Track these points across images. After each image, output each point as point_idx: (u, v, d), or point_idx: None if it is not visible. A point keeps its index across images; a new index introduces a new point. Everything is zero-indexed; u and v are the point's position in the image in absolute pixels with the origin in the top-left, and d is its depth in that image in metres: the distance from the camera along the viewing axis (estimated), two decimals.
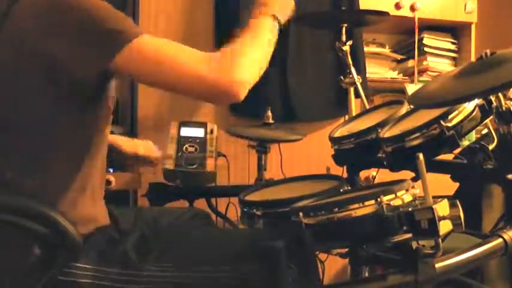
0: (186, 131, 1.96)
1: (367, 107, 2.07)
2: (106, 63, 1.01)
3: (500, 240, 1.21)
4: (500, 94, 1.28)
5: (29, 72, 1.03)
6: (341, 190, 1.32)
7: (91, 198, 1.13)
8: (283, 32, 2.59)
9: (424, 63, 2.79)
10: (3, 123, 1.06)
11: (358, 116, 1.83)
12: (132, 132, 2.44)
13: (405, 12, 2.70)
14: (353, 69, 2.07)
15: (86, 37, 1.01)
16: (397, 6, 2.68)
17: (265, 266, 1.03)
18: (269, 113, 2.09)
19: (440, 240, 1.04)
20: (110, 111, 1.16)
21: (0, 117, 1.07)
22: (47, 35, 1.02)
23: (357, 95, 2.12)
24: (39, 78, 1.03)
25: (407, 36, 2.85)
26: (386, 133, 1.45)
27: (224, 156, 2.08)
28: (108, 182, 1.86)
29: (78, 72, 1.02)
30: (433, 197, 1.02)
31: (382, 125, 1.50)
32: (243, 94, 1.07)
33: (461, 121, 1.30)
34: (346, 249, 1.35)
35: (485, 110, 1.33)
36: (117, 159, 1.60)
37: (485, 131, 1.45)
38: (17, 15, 1.05)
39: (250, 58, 1.11)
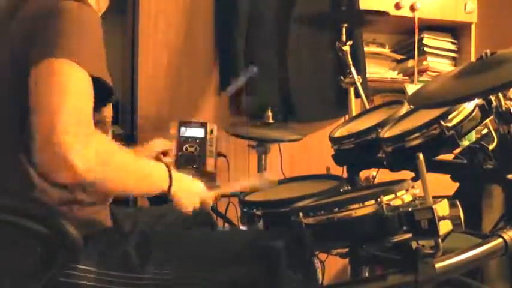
0: (186, 131, 1.96)
1: (367, 107, 2.07)
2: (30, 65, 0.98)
3: (500, 240, 1.21)
4: (500, 94, 1.28)
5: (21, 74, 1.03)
6: (341, 190, 1.32)
7: (93, 200, 1.12)
8: (283, 32, 2.61)
9: (424, 63, 2.79)
10: (5, 122, 1.06)
11: (358, 116, 1.83)
12: (132, 132, 2.44)
13: (405, 12, 2.70)
14: (353, 69, 2.08)
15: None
16: (397, 6, 2.68)
17: (265, 266, 1.03)
18: (269, 113, 2.09)
19: (440, 240, 1.04)
20: (109, 113, 1.16)
21: (3, 117, 1.07)
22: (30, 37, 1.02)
23: (357, 95, 2.12)
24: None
25: (407, 36, 2.85)
26: (387, 133, 1.45)
27: (224, 156, 2.08)
28: None
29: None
30: (433, 197, 1.02)
31: (382, 125, 1.50)
32: (69, 180, 0.94)
33: (461, 121, 1.30)
34: (346, 249, 1.35)
35: (485, 110, 1.33)
36: None
37: (485, 131, 1.45)
38: (20, 17, 1.06)
39: (116, 170, 1.01)
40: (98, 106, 1.03)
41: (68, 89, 0.95)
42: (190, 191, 1.21)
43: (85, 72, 0.98)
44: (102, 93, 1.03)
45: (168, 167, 1.15)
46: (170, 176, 1.13)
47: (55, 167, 0.93)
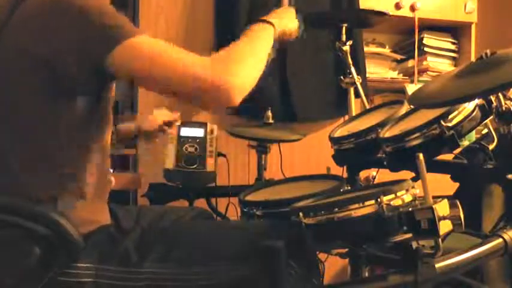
0: (186, 131, 1.96)
1: (367, 107, 2.07)
2: (102, 60, 1.01)
3: (500, 240, 1.21)
4: (500, 94, 1.28)
5: (28, 72, 1.03)
6: (341, 190, 1.32)
7: (93, 199, 1.12)
8: None
9: (424, 63, 2.79)
10: (6, 122, 1.06)
11: (358, 116, 1.83)
12: None
13: (405, 12, 2.70)
14: (353, 69, 2.07)
15: (84, 35, 1.02)
16: (397, 6, 2.68)
17: (265, 265, 1.03)
18: (269, 113, 2.09)
19: (440, 240, 1.04)
20: (110, 112, 1.16)
21: (4, 117, 1.07)
22: (47, 35, 1.03)
23: (357, 95, 2.12)
24: (37, 79, 1.03)
25: (407, 36, 2.85)
26: (387, 133, 1.45)
27: (224, 156, 2.08)
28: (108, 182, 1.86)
29: (75, 70, 1.02)
30: (433, 197, 1.02)
31: (382, 125, 1.50)
32: (237, 99, 1.05)
33: (461, 121, 1.30)
34: (346, 249, 1.35)
35: (485, 110, 1.33)
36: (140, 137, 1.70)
37: (485, 131, 1.45)
38: (21, 15, 1.06)
39: (247, 63, 1.09)
40: None
41: (162, 51, 1.05)
42: (290, 22, 1.37)
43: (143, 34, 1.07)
44: None
45: (264, 21, 1.24)
46: (273, 26, 1.24)
47: (228, 103, 1.04)
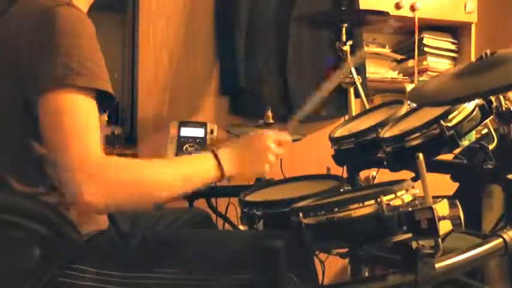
0: (186, 131, 1.97)
1: (367, 107, 2.07)
2: (33, 92, 1.00)
3: (500, 240, 1.20)
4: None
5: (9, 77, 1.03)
6: (341, 190, 1.32)
7: None
8: (283, 32, 2.61)
9: (424, 63, 2.79)
10: (4, 123, 1.06)
11: (358, 116, 1.83)
12: (132, 132, 2.45)
13: (405, 12, 2.70)
14: (353, 69, 2.07)
15: (43, 59, 0.99)
16: (397, 6, 2.68)
17: (266, 267, 1.03)
18: (269, 113, 2.08)
19: (440, 240, 1.04)
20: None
21: (3, 118, 1.07)
22: (26, 46, 1.01)
23: (357, 95, 2.12)
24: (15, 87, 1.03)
25: (407, 36, 2.85)
26: (386, 133, 1.45)
27: None
28: None
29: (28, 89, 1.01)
30: (433, 197, 1.02)
31: (382, 125, 1.50)
32: (84, 210, 1.00)
33: (461, 121, 1.30)
34: (346, 249, 1.35)
35: (485, 110, 1.33)
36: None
37: (485, 131, 1.45)
38: (10, 19, 1.06)
39: (138, 187, 1.01)
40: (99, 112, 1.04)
41: (76, 126, 0.97)
42: (252, 160, 1.18)
43: (89, 100, 1.00)
44: (104, 99, 1.04)
45: (215, 154, 1.12)
46: (219, 163, 1.12)
47: (73, 201, 0.99)
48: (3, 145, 1.06)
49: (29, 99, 1.01)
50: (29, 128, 1.03)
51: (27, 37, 1.02)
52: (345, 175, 1.70)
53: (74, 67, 0.98)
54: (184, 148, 1.93)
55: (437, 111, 1.33)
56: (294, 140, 2.15)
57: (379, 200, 1.02)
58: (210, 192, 2.05)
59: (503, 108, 1.29)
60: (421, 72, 2.79)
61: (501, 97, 1.29)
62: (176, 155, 1.92)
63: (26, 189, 1.04)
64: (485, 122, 1.35)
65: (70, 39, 1.00)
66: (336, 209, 1.05)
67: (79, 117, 0.98)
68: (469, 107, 1.32)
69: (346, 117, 2.29)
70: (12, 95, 1.03)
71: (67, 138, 0.97)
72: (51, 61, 0.98)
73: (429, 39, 2.81)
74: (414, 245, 1.07)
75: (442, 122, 1.28)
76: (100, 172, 0.97)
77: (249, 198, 1.40)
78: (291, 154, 2.40)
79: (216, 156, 1.12)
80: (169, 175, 1.05)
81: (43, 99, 0.98)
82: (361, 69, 2.53)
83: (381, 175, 1.72)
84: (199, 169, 1.11)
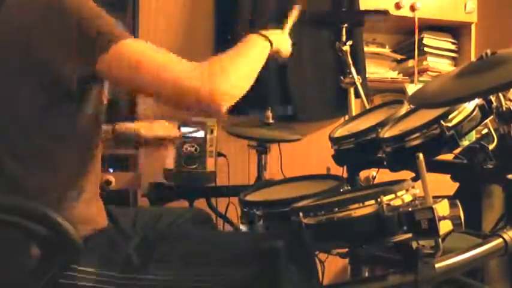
0: (186, 131, 1.96)
1: (367, 107, 2.07)
2: (89, 67, 1.02)
3: (500, 240, 1.21)
4: (500, 94, 1.28)
5: (21, 74, 1.03)
6: (341, 190, 1.32)
7: (87, 199, 1.12)
8: None
9: (424, 63, 2.79)
10: (4, 123, 1.06)
11: (358, 116, 1.83)
12: None
13: (405, 12, 2.70)
14: (353, 69, 2.07)
15: (70, 42, 1.01)
16: (397, 6, 2.68)
17: (266, 267, 1.03)
18: (269, 113, 2.08)
19: (440, 240, 1.04)
20: (102, 112, 1.16)
21: (2, 118, 1.07)
22: (36, 38, 1.02)
23: (357, 95, 2.12)
24: (29, 81, 1.03)
25: (407, 36, 2.85)
26: (387, 133, 1.45)
27: (224, 156, 2.08)
28: (108, 182, 1.87)
29: (64, 75, 1.02)
30: (433, 197, 1.02)
31: (382, 125, 1.50)
32: (224, 106, 1.05)
33: (461, 121, 1.30)
34: (346, 249, 1.35)
35: (485, 110, 1.33)
36: (138, 145, 1.69)
37: (485, 131, 1.45)
38: (8, 11, 1.06)
39: (237, 71, 1.09)
40: None
41: (149, 57, 1.04)
42: (285, 42, 1.40)
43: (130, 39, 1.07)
44: None
45: (262, 35, 1.23)
46: (270, 42, 1.23)
47: (213, 110, 1.05)
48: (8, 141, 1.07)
49: (68, 79, 1.02)
50: (37, 124, 1.04)
51: (38, 24, 1.03)
52: (345, 175, 1.70)
53: (106, 30, 1.04)
54: (184, 148, 1.92)
55: (438, 111, 1.33)
56: (294, 140, 2.16)
57: (379, 200, 1.03)
58: (210, 192, 2.05)
59: (503, 108, 1.29)
60: (421, 72, 2.79)
61: (501, 97, 1.28)
62: (176, 154, 1.92)
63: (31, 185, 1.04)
64: (485, 122, 1.35)
65: (89, 9, 1.05)
66: (336, 209, 1.05)
67: (154, 50, 1.06)
68: (469, 107, 1.32)
69: (346, 117, 2.29)
70: (30, 89, 1.04)
71: (164, 66, 1.02)
72: (92, 26, 1.02)
73: (429, 39, 2.81)
74: (414, 245, 1.07)
75: (442, 122, 1.28)
76: (213, 72, 1.04)
77: (249, 198, 1.40)
78: (291, 154, 2.40)
79: (262, 35, 1.23)
80: (253, 55, 1.18)
81: (105, 60, 1.01)
82: (361, 69, 2.53)
83: (381, 175, 1.72)
84: (263, 53, 1.23)
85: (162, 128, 1.77)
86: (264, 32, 1.25)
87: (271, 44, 1.24)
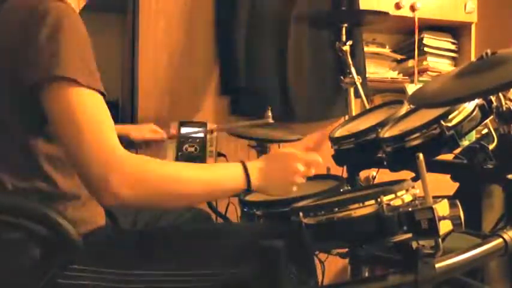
0: (186, 131, 1.96)
1: (367, 107, 2.07)
2: (37, 85, 0.99)
3: (500, 240, 1.21)
4: (500, 94, 1.28)
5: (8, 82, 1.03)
6: (341, 190, 1.32)
7: (87, 199, 1.12)
8: (283, 32, 2.61)
9: (424, 63, 2.79)
10: None
11: (358, 116, 1.83)
12: None
13: (405, 12, 2.70)
14: (353, 69, 2.08)
15: (38, 53, 0.98)
16: (397, 6, 2.68)
17: (265, 265, 1.03)
18: (269, 113, 2.09)
19: (440, 240, 1.04)
20: None
21: None
22: (16, 43, 1.01)
23: (357, 95, 2.12)
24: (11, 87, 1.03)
25: (407, 36, 2.85)
26: (387, 133, 1.45)
27: (224, 156, 2.08)
28: None
29: (25, 82, 1.00)
30: (433, 197, 1.02)
31: (382, 125, 1.50)
32: (112, 203, 0.97)
33: (462, 121, 1.30)
34: (346, 249, 1.35)
35: (485, 110, 1.33)
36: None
37: (485, 131, 1.45)
38: (3, 16, 1.06)
39: (165, 188, 1.00)
40: None
41: (92, 121, 0.97)
42: (280, 179, 1.12)
43: (97, 95, 1.00)
44: None
45: (244, 165, 1.08)
46: (247, 174, 1.07)
47: (102, 200, 0.97)
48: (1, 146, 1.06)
49: (32, 95, 1.00)
50: (31, 126, 1.03)
51: (21, 32, 1.01)
52: (345, 175, 1.70)
53: (75, 63, 0.98)
54: (184, 148, 1.92)
55: (438, 111, 1.33)
56: (294, 140, 2.16)
57: (379, 200, 1.02)
58: None
59: (504, 108, 1.29)
60: (421, 72, 2.79)
61: (501, 97, 1.28)
62: (176, 155, 1.92)
63: (22, 186, 1.04)
64: (485, 122, 1.35)
65: (65, 34, 1.00)
66: (336, 209, 1.05)
67: (95, 113, 0.99)
68: (469, 107, 1.32)
69: (346, 117, 2.29)
70: (13, 93, 1.03)
71: (90, 136, 0.96)
72: (49, 53, 0.98)
73: (429, 39, 2.81)
74: (414, 245, 1.07)
75: (442, 122, 1.28)
76: (126, 164, 0.96)
77: (249, 198, 1.40)
78: None
79: (244, 167, 1.08)
80: (197, 178, 1.04)
81: (47, 92, 0.97)
82: (361, 69, 2.53)
83: (381, 175, 1.72)
84: (226, 177, 1.08)
85: (149, 131, 1.82)
86: (252, 168, 1.08)
87: (249, 184, 1.07)
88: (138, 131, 1.81)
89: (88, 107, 0.98)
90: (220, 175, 1.07)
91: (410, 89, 2.66)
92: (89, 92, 0.99)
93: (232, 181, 1.07)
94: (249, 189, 1.08)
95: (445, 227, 1.01)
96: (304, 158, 1.13)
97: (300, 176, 1.13)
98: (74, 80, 0.97)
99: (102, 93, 1.02)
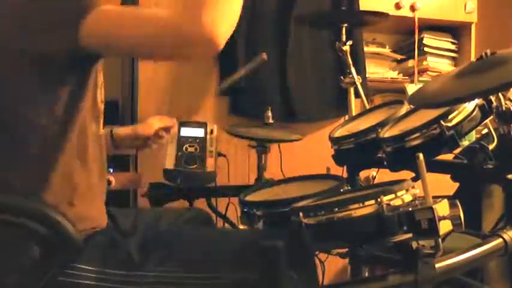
0: (186, 131, 1.96)
1: (367, 107, 2.07)
2: (75, 33, 0.99)
3: (500, 240, 1.21)
4: (500, 94, 1.28)
5: (12, 68, 1.03)
6: (341, 190, 1.32)
7: (86, 198, 1.12)
8: (283, 32, 2.60)
9: (424, 63, 2.79)
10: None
11: (358, 116, 1.83)
12: None
13: (405, 12, 2.70)
14: (353, 69, 2.07)
15: (50, 20, 1.00)
16: (397, 6, 2.68)
17: (266, 267, 1.03)
18: (269, 113, 2.08)
19: (440, 240, 1.04)
20: (96, 105, 1.15)
21: None
22: (18, 26, 1.02)
23: (357, 95, 2.12)
24: (21, 74, 1.03)
25: (407, 36, 2.85)
26: (386, 133, 1.45)
27: (224, 156, 2.08)
28: (108, 182, 1.87)
29: (55, 51, 1.01)
30: (433, 197, 1.02)
31: (382, 125, 1.50)
32: (217, 42, 0.98)
33: (461, 121, 1.30)
34: (346, 249, 1.35)
35: (485, 110, 1.33)
36: (139, 146, 1.76)
37: (485, 131, 1.45)
38: None
39: (223, 6, 1.00)
40: None
41: (130, 11, 1.01)
42: None
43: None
44: None
45: None
46: None
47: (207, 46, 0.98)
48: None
49: (53, 63, 1.01)
50: (35, 122, 1.03)
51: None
52: (345, 175, 1.70)
53: None
54: (184, 148, 1.92)
55: (437, 111, 1.33)
56: (294, 140, 2.16)
57: (379, 200, 1.03)
58: (210, 192, 2.05)
59: (503, 108, 1.29)
60: (421, 72, 2.79)
61: (501, 97, 1.28)
62: (176, 154, 1.92)
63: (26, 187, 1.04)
64: (485, 122, 1.35)
65: None
66: (336, 209, 1.05)
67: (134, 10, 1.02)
68: (469, 107, 1.32)
69: (346, 117, 2.29)
70: (19, 69, 1.03)
71: (148, 16, 0.98)
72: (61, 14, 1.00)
73: (429, 39, 2.81)
74: (414, 245, 1.07)
75: (442, 122, 1.28)
76: (195, 3, 0.95)
77: (249, 198, 1.40)
78: (291, 154, 2.41)
79: None
80: None
81: (88, 25, 0.98)
82: (361, 69, 2.53)
83: (381, 175, 1.72)
84: None
85: (159, 121, 1.77)
86: None
87: None
88: (147, 126, 1.77)
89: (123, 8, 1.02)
90: None
91: (410, 89, 2.66)
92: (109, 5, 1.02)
93: None
94: None
95: (445, 227, 1.01)
96: None
97: None
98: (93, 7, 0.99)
99: None
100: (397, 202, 1.04)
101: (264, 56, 1.94)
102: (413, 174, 1.27)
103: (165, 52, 1.03)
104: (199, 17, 0.93)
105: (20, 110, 1.04)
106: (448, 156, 1.42)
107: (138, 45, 1.01)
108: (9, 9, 1.05)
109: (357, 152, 1.55)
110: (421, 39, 2.78)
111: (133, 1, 2.42)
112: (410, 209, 1.02)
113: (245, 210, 1.34)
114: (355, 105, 2.14)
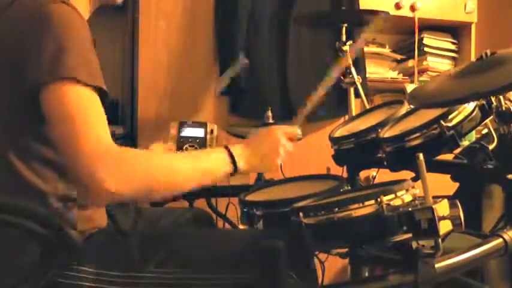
0: (186, 131, 1.96)
1: (367, 107, 2.07)
2: (35, 86, 1.00)
3: (500, 240, 1.20)
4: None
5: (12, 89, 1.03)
6: (341, 190, 1.32)
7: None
8: (283, 32, 2.61)
9: (424, 63, 2.79)
10: (3, 122, 1.06)
11: (358, 116, 1.83)
12: (132, 132, 2.45)
13: (405, 12, 2.70)
14: (353, 69, 2.07)
15: (39, 55, 1.00)
16: (397, 6, 2.68)
17: (266, 267, 1.03)
18: (269, 113, 2.09)
19: (440, 240, 1.04)
20: None
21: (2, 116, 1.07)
22: (20, 42, 1.02)
23: (357, 95, 2.12)
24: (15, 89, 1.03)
25: (407, 36, 2.85)
26: (386, 133, 1.45)
27: None
28: None
29: (27, 82, 1.01)
30: (433, 197, 1.02)
31: (382, 125, 1.50)
32: (106, 199, 1.00)
33: (462, 121, 1.30)
34: (346, 249, 1.35)
35: (485, 110, 1.33)
36: None
37: (485, 131, 1.45)
38: (11, 18, 1.06)
39: (153, 177, 1.01)
40: None
41: (86, 117, 0.98)
42: (264, 155, 1.20)
43: (93, 93, 1.01)
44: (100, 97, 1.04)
45: (228, 149, 1.13)
46: (233, 158, 1.13)
47: (92, 195, 0.98)
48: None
49: (32, 95, 1.00)
50: (30, 127, 1.03)
51: (24, 34, 1.02)
52: (345, 175, 1.70)
53: (75, 61, 0.99)
54: (184, 148, 1.93)
55: (438, 111, 1.33)
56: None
57: (379, 200, 1.02)
58: (210, 192, 2.05)
59: (503, 108, 1.29)
60: (421, 72, 2.79)
61: (501, 97, 1.28)
62: None
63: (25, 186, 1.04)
64: (485, 122, 1.35)
65: (67, 34, 1.01)
66: (336, 209, 1.05)
67: (88, 108, 0.99)
68: (469, 107, 1.32)
69: (346, 117, 2.29)
70: (14, 94, 1.03)
71: (79, 128, 0.97)
72: (51, 55, 0.99)
73: (429, 39, 2.81)
74: (414, 245, 1.07)
75: (442, 122, 1.28)
76: (118, 159, 0.97)
77: (249, 198, 1.40)
78: (291, 154, 2.40)
79: (229, 151, 1.14)
80: (185, 166, 1.06)
81: (46, 93, 0.98)
82: (361, 69, 2.53)
83: (381, 175, 1.72)
84: (214, 163, 1.12)
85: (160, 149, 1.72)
86: (237, 151, 1.14)
87: (235, 167, 1.13)
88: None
89: (81, 104, 0.99)
90: (209, 164, 1.11)
91: (410, 89, 2.66)
92: (85, 89, 0.99)
93: (220, 167, 1.12)
94: (235, 173, 1.14)
95: (445, 227, 1.01)
96: (283, 131, 1.22)
97: (282, 148, 1.20)
98: (73, 78, 0.98)
99: (104, 92, 1.03)
100: (397, 202, 1.04)
101: (246, 60, 1.94)
102: (413, 174, 1.27)
103: (70, 170, 1.02)
104: (105, 180, 0.94)
105: (18, 115, 1.05)
106: (448, 156, 1.42)
107: (59, 142, 1.00)
108: (23, 18, 1.05)
109: (357, 152, 1.55)
110: (421, 39, 2.78)
111: (133, 5, 2.43)
112: (410, 209, 1.02)
113: (245, 210, 1.34)
114: (355, 105, 2.14)
